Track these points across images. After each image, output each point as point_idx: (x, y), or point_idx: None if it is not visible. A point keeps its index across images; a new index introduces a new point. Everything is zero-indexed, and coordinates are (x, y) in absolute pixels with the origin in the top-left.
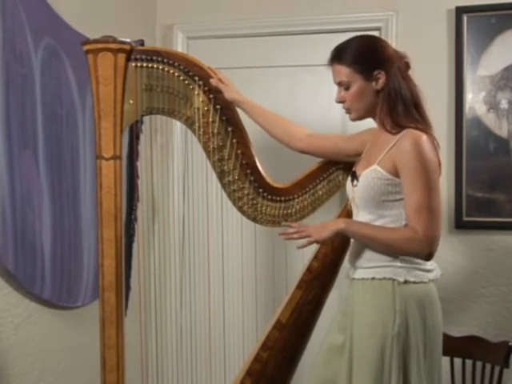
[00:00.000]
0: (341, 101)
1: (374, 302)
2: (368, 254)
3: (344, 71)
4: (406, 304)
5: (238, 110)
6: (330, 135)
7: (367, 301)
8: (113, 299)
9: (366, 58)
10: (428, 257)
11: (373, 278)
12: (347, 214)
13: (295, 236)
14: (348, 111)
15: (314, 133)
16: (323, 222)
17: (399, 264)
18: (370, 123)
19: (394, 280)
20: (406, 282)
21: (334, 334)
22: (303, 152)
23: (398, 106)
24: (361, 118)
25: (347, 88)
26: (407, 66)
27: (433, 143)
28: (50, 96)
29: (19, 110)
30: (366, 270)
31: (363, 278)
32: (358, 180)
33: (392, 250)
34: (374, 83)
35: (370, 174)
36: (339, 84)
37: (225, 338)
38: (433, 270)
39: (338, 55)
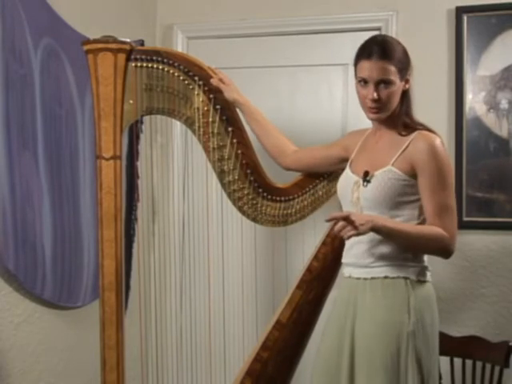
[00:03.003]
0: (381, 98)
1: (387, 300)
2: (375, 253)
3: (392, 70)
4: (420, 302)
5: (239, 111)
6: (312, 148)
7: (378, 300)
8: (113, 299)
9: (404, 58)
10: (450, 254)
11: (385, 277)
12: None
13: (342, 232)
14: (379, 110)
15: (299, 148)
16: (361, 215)
17: (411, 263)
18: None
19: (407, 279)
20: (418, 280)
21: (331, 338)
22: (289, 169)
23: (411, 109)
24: (384, 117)
25: (387, 87)
26: None
27: (444, 145)
28: (49, 96)
29: (19, 110)
30: (375, 268)
31: (372, 277)
32: (368, 181)
33: (423, 247)
34: (403, 84)
35: (386, 175)
36: (381, 81)
37: (225, 338)
38: (430, 269)
39: (384, 52)
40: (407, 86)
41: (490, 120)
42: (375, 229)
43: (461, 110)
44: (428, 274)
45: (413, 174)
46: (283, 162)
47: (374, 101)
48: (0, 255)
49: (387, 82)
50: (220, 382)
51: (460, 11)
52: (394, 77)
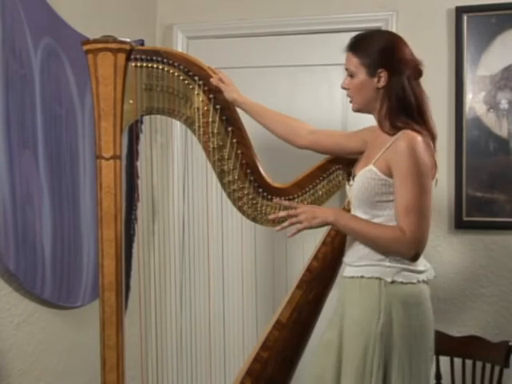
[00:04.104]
0: (345, 87)
1: (361, 300)
2: (358, 253)
3: (353, 60)
4: (391, 304)
5: (239, 111)
6: (332, 133)
7: (355, 299)
8: (113, 299)
9: (375, 53)
10: (414, 258)
11: (361, 277)
12: None
13: (285, 224)
14: (350, 100)
15: (317, 129)
16: (314, 207)
17: (388, 264)
18: (370, 121)
19: (381, 279)
20: (393, 282)
21: (325, 332)
22: (305, 148)
23: (398, 109)
24: (360, 110)
25: (351, 76)
26: (419, 73)
27: (428, 145)
28: (49, 96)
29: (19, 110)
30: (355, 268)
31: (353, 277)
32: (353, 180)
33: (378, 247)
34: (375, 80)
35: (365, 174)
36: (346, 70)
37: (225, 339)
38: (425, 271)
39: (352, 43)
40: (379, 85)
41: (489, 120)
42: (328, 224)
43: (461, 110)
44: (411, 275)
45: (391, 174)
46: (298, 142)
47: (344, 89)
48: (0, 255)
49: (350, 73)
50: (220, 381)
51: (460, 11)
52: (356, 69)
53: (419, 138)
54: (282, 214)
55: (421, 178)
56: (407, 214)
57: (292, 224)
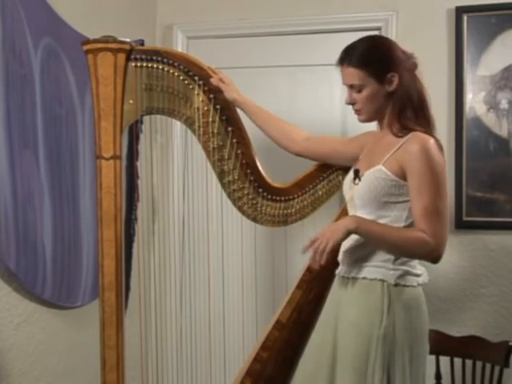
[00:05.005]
0: (352, 103)
1: (362, 301)
2: (358, 253)
3: (357, 74)
4: (394, 306)
5: (239, 111)
6: (327, 139)
7: (354, 300)
8: (113, 299)
9: (378, 60)
10: (436, 259)
11: (364, 278)
12: (346, 214)
13: (317, 256)
14: (358, 112)
15: (312, 136)
16: (330, 225)
17: (391, 266)
18: (371, 124)
19: (384, 281)
20: (396, 284)
21: (317, 332)
22: (300, 155)
23: (407, 109)
24: (371, 120)
25: (359, 91)
26: (415, 66)
27: (440, 147)
28: (49, 96)
29: (19, 110)
30: (356, 268)
31: (353, 277)
32: (359, 179)
33: (403, 250)
34: (386, 86)
35: (374, 174)
36: (351, 87)
37: (225, 338)
38: (421, 274)
39: (350, 57)
40: (391, 89)
41: (489, 120)
42: (351, 232)
43: (461, 110)
44: (412, 278)
45: (402, 176)
46: (293, 149)
47: (351, 104)
48: (1, 254)
49: (355, 87)
50: (220, 381)
51: (460, 11)
52: (362, 81)
53: (432, 141)
54: (311, 253)
55: (437, 179)
56: (426, 215)
57: (319, 251)
